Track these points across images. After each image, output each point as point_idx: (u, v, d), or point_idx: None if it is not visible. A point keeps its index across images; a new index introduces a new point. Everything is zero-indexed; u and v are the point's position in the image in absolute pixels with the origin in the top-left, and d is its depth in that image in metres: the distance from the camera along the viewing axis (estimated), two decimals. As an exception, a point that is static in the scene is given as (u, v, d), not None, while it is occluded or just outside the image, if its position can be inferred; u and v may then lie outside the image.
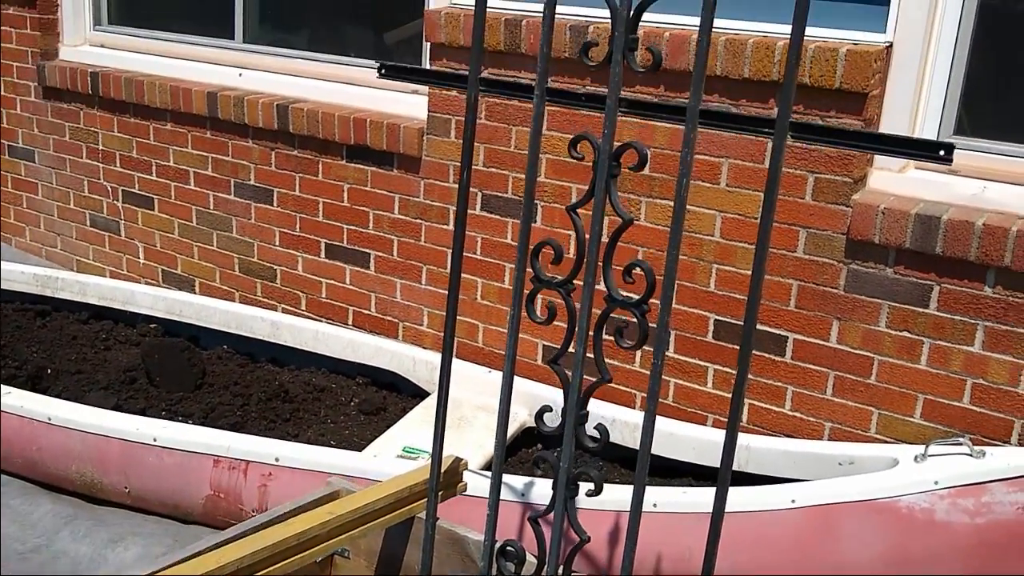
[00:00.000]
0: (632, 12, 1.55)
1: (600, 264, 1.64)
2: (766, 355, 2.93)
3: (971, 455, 2.55)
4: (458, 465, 2.11)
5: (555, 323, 3.25)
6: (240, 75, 3.90)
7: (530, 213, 1.68)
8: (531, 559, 1.84)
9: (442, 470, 1.98)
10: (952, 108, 2.71)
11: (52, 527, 2.90)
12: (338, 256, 3.73)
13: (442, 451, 1.89)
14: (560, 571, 1.76)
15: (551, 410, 1.77)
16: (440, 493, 1.95)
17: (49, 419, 3.00)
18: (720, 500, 1.63)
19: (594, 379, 1.69)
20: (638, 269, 1.59)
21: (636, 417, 3.00)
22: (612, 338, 1.80)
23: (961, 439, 2.60)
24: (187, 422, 3.14)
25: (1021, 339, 2.59)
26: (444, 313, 3.50)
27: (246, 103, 3.74)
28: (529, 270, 1.72)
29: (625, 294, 1.63)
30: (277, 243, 3.88)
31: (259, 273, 3.97)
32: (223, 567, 1.68)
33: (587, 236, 1.62)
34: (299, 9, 3.89)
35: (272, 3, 3.94)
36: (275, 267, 3.91)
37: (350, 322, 3.76)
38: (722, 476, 1.64)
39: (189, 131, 3.99)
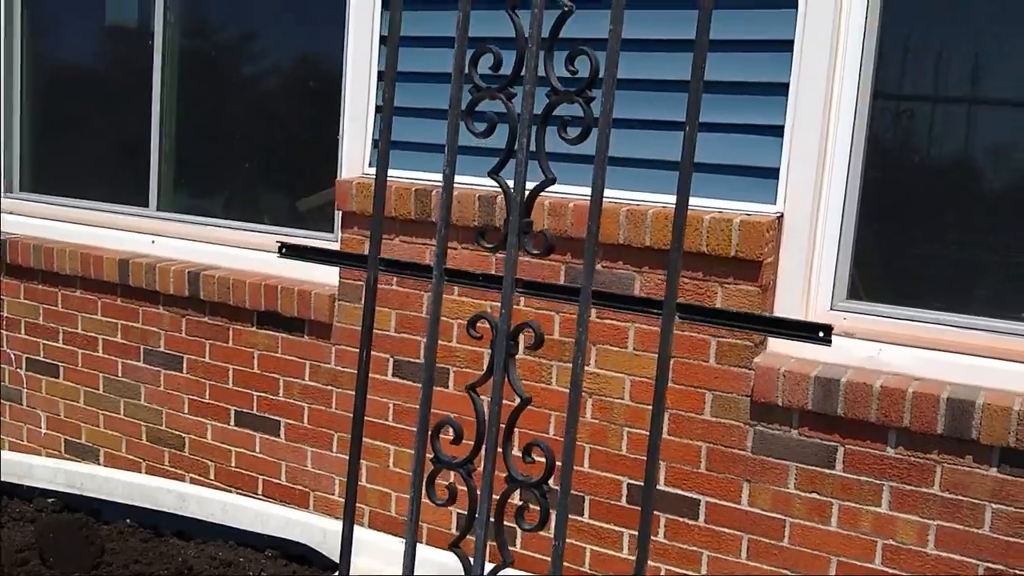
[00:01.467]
0: (525, 196, 1.60)
1: (501, 445, 1.64)
2: (679, 518, 2.92)
3: (885, 618, 2.55)
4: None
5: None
6: (153, 242, 3.89)
7: (429, 395, 1.67)
8: None
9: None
10: (844, 273, 2.82)
11: None
12: (248, 424, 3.66)
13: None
14: None
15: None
16: None
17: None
18: None
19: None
20: (538, 448, 1.59)
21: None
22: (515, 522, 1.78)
23: (874, 602, 2.60)
24: (82, 606, 2.98)
25: (926, 498, 2.62)
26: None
27: (158, 270, 3.72)
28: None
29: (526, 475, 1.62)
30: (186, 411, 3.79)
31: (167, 442, 3.86)
32: None
33: (487, 417, 1.62)
34: (214, 176, 3.93)
35: (187, 171, 3.98)
36: (184, 435, 3.81)
37: (260, 491, 3.66)
38: None
39: (99, 298, 3.94)
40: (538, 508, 1.58)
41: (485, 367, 1.68)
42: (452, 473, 1.69)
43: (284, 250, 2.06)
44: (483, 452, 1.63)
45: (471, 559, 1.66)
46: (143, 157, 3.95)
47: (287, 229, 3.65)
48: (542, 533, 3.08)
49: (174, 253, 3.83)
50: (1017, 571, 2.55)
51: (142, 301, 3.83)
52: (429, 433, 1.68)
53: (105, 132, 4.16)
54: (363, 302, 1.74)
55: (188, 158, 3.96)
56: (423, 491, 1.69)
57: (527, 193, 1.59)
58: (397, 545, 3.22)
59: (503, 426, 1.61)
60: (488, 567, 1.66)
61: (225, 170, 3.89)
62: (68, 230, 4.09)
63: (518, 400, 1.62)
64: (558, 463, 1.51)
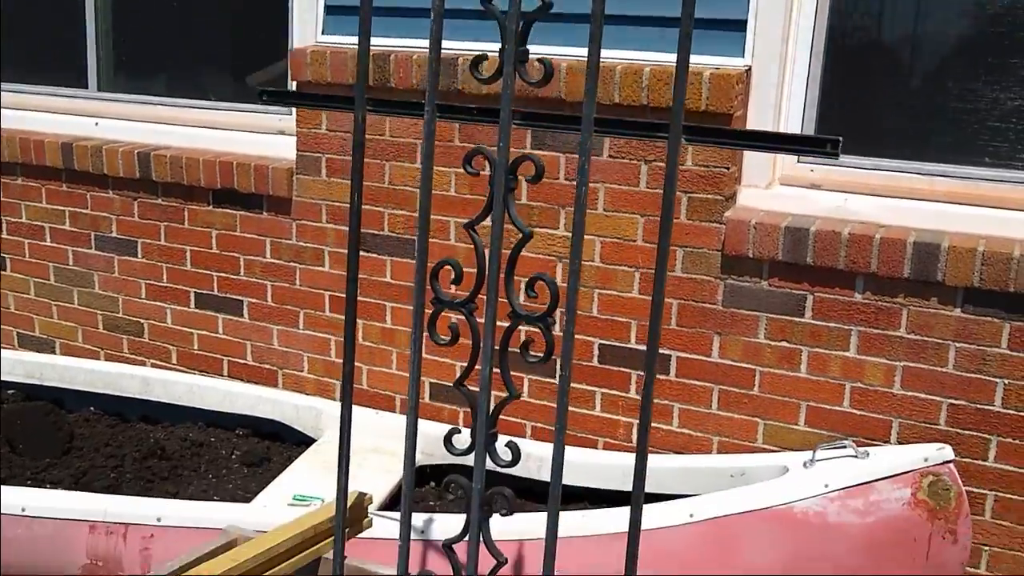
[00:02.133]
0: (521, 26, 1.56)
1: (502, 280, 1.63)
2: (652, 375, 2.97)
3: (856, 456, 2.64)
4: (363, 500, 2.04)
5: (443, 359, 3.22)
6: (96, 124, 3.75)
7: (427, 226, 1.65)
8: (446, 589, 1.79)
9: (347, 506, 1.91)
10: (811, 125, 2.84)
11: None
12: (209, 305, 3.60)
13: (347, 485, 1.83)
14: (478, 597, 1.72)
15: (459, 432, 1.74)
16: (346, 531, 1.88)
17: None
18: (635, 519, 1.63)
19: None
20: (541, 282, 1.59)
21: (534, 448, 2.98)
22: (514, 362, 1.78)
23: (845, 442, 2.69)
24: (57, 489, 2.95)
25: (892, 341, 2.70)
26: (325, 357, 3.43)
27: (104, 152, 3.60)
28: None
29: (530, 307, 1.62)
30: (144, 296, 3.72)
31: (125, 328, 3.79)
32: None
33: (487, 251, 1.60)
34: (155, 55, 3.78)
35: (127, 50, 3.82)
36: (142, 321, 3.75)
37: (226, 373, 3.63)
38: (635, 497, 1.64)
39: (43, 185, 3.81)
40: (544, 341, 1.58)
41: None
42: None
43: (265, 97, 2.00)
44: (485, 293, 1.62)
45: (476, 392, 1.67)
46: (79, 35, 3.77)
47: (240, 105, 3.55)
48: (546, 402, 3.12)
49: (120, 135, 3.70)
50: (978, 405, 2.65)
51: (90, 186, 3.71)
52: (428, 272, 1.67)
53: (37, 10, 3.95)
54: (352, 146, 1.70)
55: (128, 35, 3.80)
56: (424, 332, 1.68)
57: (522, 23, 1.55)
58: (372, 417, 3.23)
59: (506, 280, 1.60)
60: (499, 453, 1.66)
61: (168, 47, 3.74)
62: (3, 115, 3.91)
63: (520, 236, 1.60)
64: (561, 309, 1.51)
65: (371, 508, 2.80)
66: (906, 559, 2.60)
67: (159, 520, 2.66)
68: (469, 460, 1.72)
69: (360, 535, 2.10)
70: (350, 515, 1.93)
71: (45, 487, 2.97)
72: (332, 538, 1.88)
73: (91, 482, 3.02)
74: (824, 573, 2.59)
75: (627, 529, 1.69)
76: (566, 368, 1.57)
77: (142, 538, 2.68)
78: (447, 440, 1.73)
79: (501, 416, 3.00)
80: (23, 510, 2.72)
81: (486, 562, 1.72)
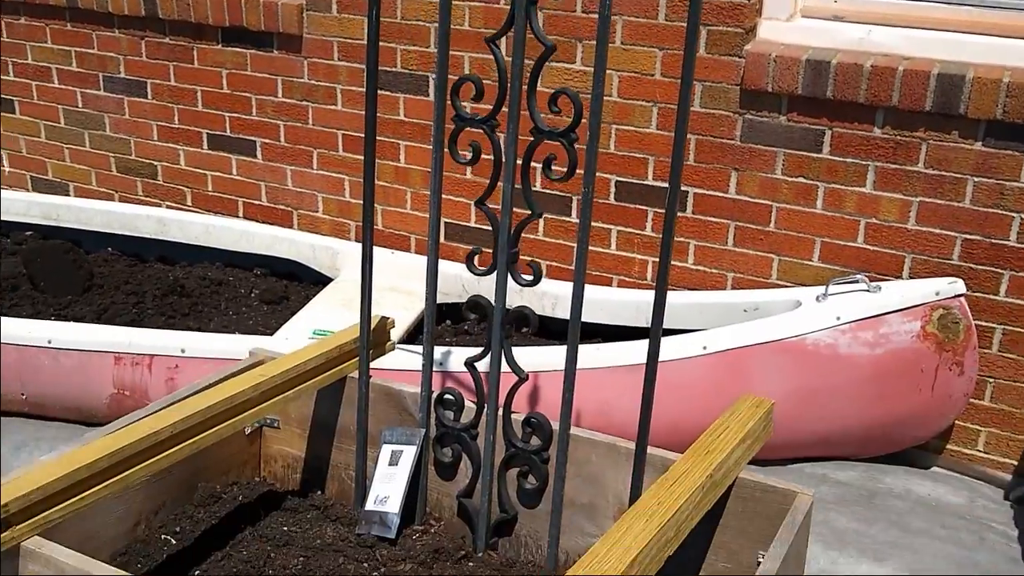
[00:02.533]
0: None
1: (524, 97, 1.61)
2: (668, 212, 2.97)
3: (868, 291, 2.67)
4: (385, 324, 2.08)
5: (457, 198, 3.22)
6: (98, -40, 3.65)
7: (447, 38, 1.62)
8: (469, 405, 1.84)
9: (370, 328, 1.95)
10: (837, -46, 2.75)
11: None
12: (222, 146, 3.58)
13: (371, 307, 1.86)
14: (500, 411, 1.77)
15: (480, 252, 1.76)
16: (370, 352, 1.93)
17: (-70, 329, 2.83)
18: (653, 351, 1.66)
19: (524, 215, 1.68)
20: (564, 96, 1.57)
21: (550, 286, 3.01)
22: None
23: (858, 276, 2.72)
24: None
25: (909, 176, 2.69)
26: (339, 198, 3.43)
27: (108, -11, 3.52)
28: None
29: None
30: (155, 137, 3.70)
31: (138, 171, 3.78)
32: (156, 434, 1.62)
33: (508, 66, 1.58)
34: None
35: None
36: (155, 163, 3.74)
37: (241, 214, 3.64)
38: (654, 331, 1.66)
39: (47, 24, 3.73)
40: (566, 159, 1.58)
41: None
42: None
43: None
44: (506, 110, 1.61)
45: (498, 217, 1.68)
46: None
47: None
48: (531, 236, 3.12)
49: (124, -30, 3.60)
50: (993, 240, 2.66)
51: (95, 25, 3.64)
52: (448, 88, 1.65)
53: None
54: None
55: None
56: (445, 150, 1.68)
57: None
58: (387, 256, 3.26)
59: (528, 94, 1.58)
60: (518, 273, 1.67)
61: None
62: (3, -48, 3.81)
63: (543, 48, 1.58)
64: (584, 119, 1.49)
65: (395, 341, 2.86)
66: (912, 389, 2.66)
67: (183, 351, 2.72)
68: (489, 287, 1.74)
69: (381, 367, 2.14)
70: (373, 337, 1.97)
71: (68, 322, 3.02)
72: (357, 358, 1.92)
73: (113, 317, 3.08)
74: (832, 402, 2.65)
75: (642, 361, 1.72)
76: (589, 185, 1.57)
77: (167, 368, 2.74)
78: (469, 260, 1.75)
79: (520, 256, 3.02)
80: (49, 342, 2.78)
81: (507, 381, 1.76)
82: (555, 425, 1.73)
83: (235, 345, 2.70)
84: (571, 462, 1.74)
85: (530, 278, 1.67)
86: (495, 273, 1.71)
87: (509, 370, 1.75)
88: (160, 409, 1.72)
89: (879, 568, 2.41)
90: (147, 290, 3.21)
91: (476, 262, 1.74)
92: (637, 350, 2.62)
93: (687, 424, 2.36)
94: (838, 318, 2.62)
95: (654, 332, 1.62)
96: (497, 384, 1.73)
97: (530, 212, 1.65)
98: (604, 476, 1.76)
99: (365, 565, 1.79)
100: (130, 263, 3.50)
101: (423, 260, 3.12)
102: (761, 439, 1.77)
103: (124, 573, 1.39)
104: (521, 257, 1.78)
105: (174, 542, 1.84)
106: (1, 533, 1.45)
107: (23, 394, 2.86)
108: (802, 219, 2.84)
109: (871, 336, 2.61)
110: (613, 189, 3.03)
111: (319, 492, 2.02)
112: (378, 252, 3.27)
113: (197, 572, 1.77)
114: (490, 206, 1.73)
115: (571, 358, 1.64)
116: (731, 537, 1.70)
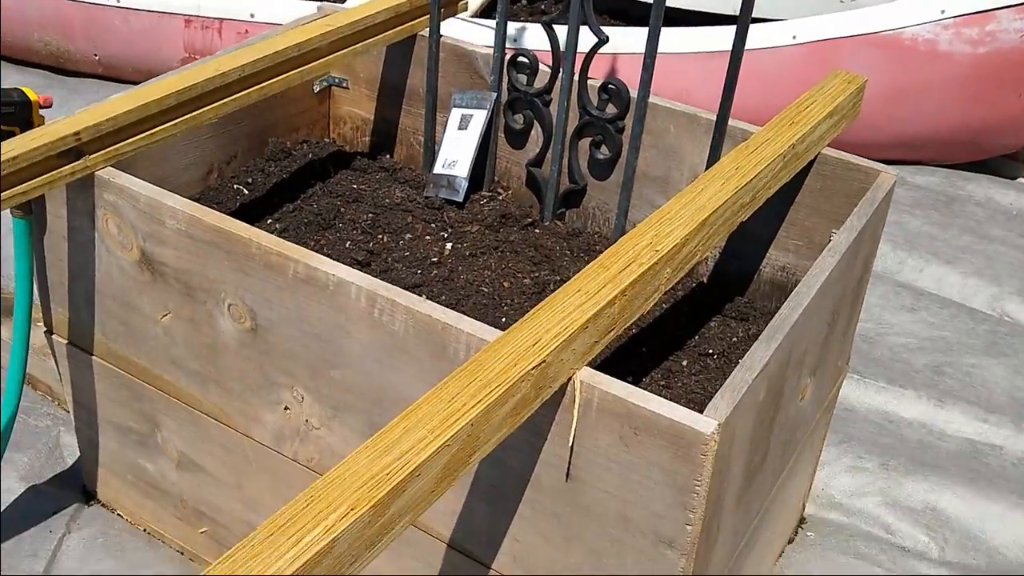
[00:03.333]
0: None
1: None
2: None
3: (980, -19, 2.47)
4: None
5: None
6: None
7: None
8: (544, 69, 1.76)
9: None
10: None
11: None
12: None
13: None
14: (576, 76, 1.69)
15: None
16: (442, 11, 1.83)
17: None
18: (741, 34, 1.54)
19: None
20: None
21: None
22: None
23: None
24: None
25: None
26: None
27: None
28: None
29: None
30: None
31: None
32: (223, 75, 1.58)
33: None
34: None
35: None
36: None
37: None
38: (743, 15, 1.53)
39: None
40: None
41: None
42: None
43: None
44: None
45: None
46: None
47: None
48: None
49: None
50: None
51: None
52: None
53: None
54: None
55: None
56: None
57: None
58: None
59: None
60: None
61: None
62: None
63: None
64: None
65: (465, 15, 2.76)
66: (1011, 94, 2.52)
67: (252, 16, 2.66)
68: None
69: (451, 38, 2.04)
70: (447, -6, 1.87)
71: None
72: (428, 16, 1.84)
73: None
74: (924, 102, 2.53)
75: (726, 48, 1.61)
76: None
77: (237, 33, 2.69)
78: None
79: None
80: (119, 2, 2.73)
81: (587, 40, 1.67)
82: (633, 93, 1.66)
83: (305, 10, 2.62)
84: (647, 132, 1.68)
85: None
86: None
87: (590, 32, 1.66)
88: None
89: (948, 271, 2.38)
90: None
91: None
92: (721, 36, 2.50)
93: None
94: (943, 11, 2.45)
95: (743, 16, 1.51)
96: (575, 45, 1.64)
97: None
98: (681, 148, 1.70)
99: (433, 225, 1.80)
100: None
101: None
102: (848, 116, 1.68)
103: (195, 203, 1.40)
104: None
105: (246, 192, 1.86)
106: (75, 161, 1.46)
107: (95, 55, 2.85)
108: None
109: (976, 33, 2.44)
110: None
111: (387, 156, 2.00)
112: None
113: (269, 220, 1.80)
114: None
115: (655, 24, 1.54)
116: (805, 215, 1.65)
